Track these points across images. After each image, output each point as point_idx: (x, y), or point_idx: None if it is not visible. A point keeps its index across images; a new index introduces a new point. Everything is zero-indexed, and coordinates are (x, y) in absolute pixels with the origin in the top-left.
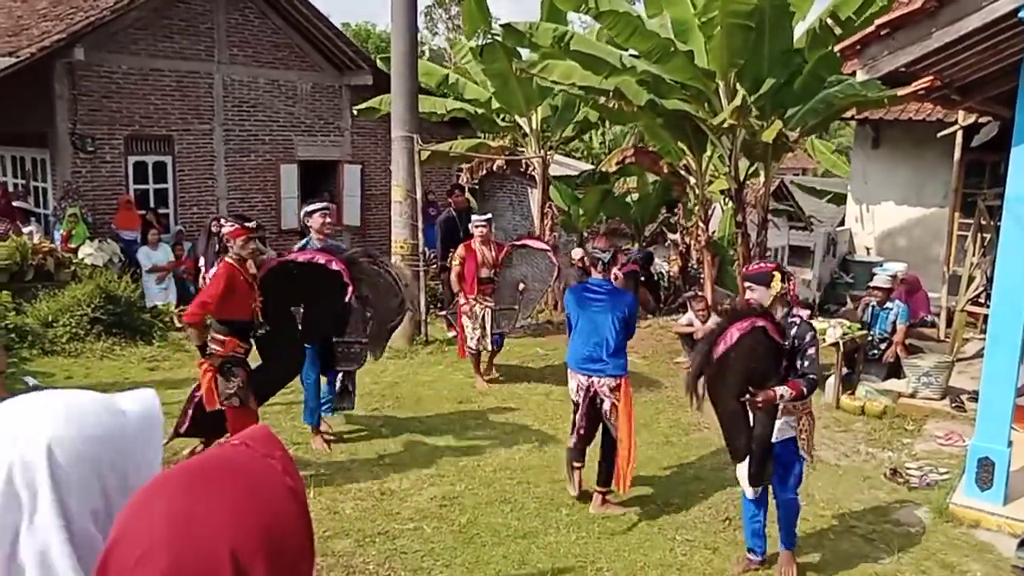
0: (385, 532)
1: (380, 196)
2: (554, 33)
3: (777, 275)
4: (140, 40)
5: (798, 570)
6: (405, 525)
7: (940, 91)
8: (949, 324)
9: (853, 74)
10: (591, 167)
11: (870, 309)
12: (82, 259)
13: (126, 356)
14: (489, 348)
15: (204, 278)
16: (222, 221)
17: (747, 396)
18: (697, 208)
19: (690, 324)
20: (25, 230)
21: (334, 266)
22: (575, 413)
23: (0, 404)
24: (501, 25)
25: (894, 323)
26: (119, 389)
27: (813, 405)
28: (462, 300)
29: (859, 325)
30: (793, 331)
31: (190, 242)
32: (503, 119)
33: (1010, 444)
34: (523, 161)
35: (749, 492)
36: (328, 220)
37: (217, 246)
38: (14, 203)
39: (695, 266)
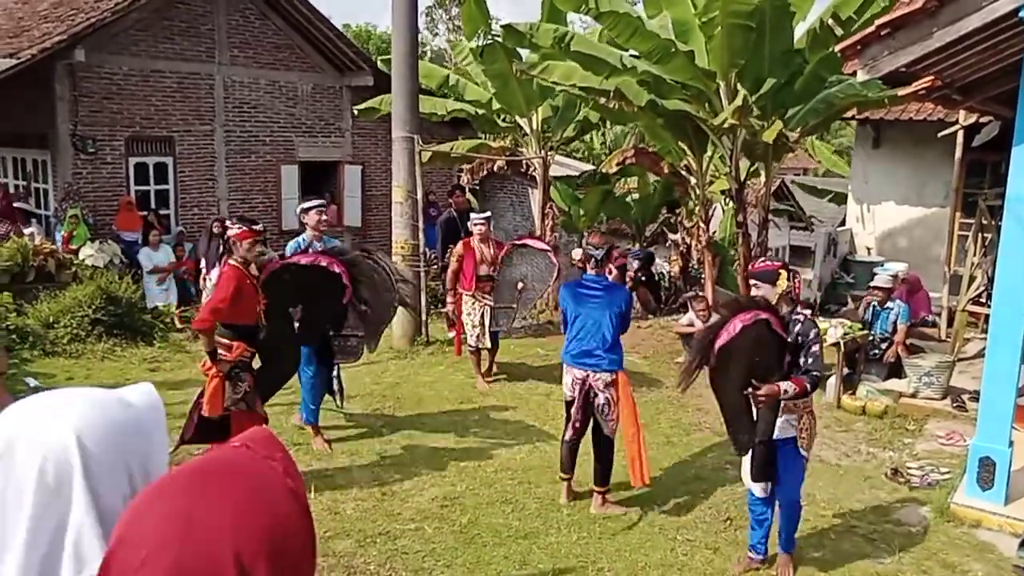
0: (386, 532)
1: (381, 197)
2: (554, 34)
3: (783, 273)
4: (141, 41)
5: (798, 570)
6: (406, 525)
7: (941, 91)
8: (950, 324)
9: (854, 74)
10: (592, 167)
11: (871, 309)
12: (83, 260)
13: (127, 357)
14: (488, 346)
15: (206, 279)
16: (227, 223)
17: (750, 389)
18: (698, 208)
19: (691, 324)
20: (26, 231)
21: (335, 269)
22: (568, 409)
23: (16, 404)
24: (501, 26)
25: (895, 323)
26: None
27: (814, 404)
28: (450, 298)
29: (860, 325)
30: (797, 328)
31: (191, 243)
32: (504, 120)
33: (1011, 444)
34: (524, 162)
35: (758, 490)
36: (324, 218)
37: (220, 247)
38: (15, 204)
39: (696, 266)
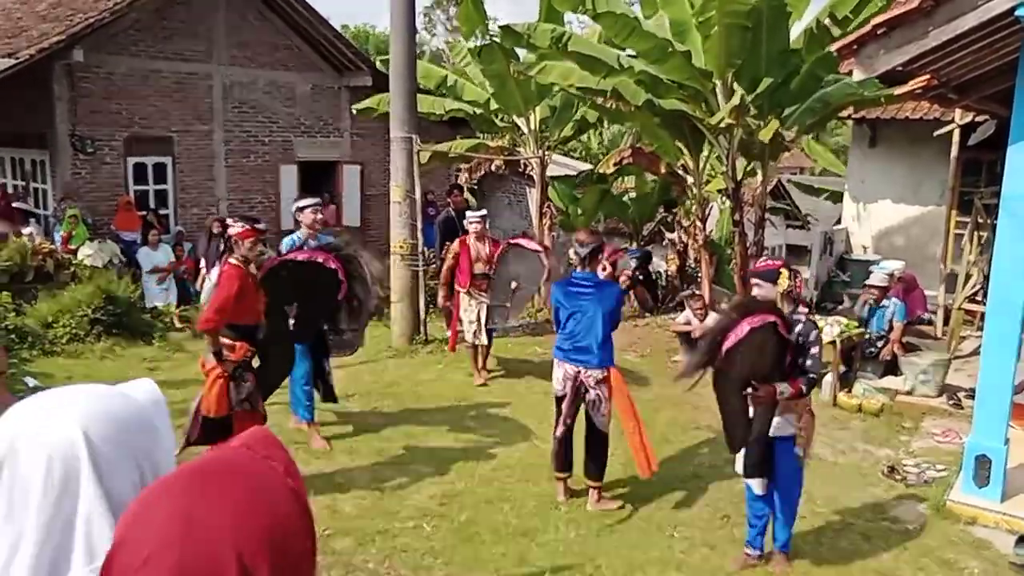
0: (385, 530)
1: (379, 196)
2: (552, 34)
3: (784, 272)
4: (139, 41)
5: (795, 568)
6: (405, 523)
7: (937, 90)
8: (946, 322)
9: (850, 73)
10: (589, 167)
11: (867, 307)
12: (82, 260)
13: (126, 357)
14: (484, 342)
15: (206, 279)
16: (228, 221)
17: (749, 390)
18: (695, 207)
19: (688, 323)
20: (25, 231)
21: (331, 265)
22: (558, 404)
23: (20, 403)
24: (499, 26)
25: (891, 321)
26: None
27: (812, 403)
28: (441, 293)
29: (856, 323)
30: (798, 328)
31: (190, 243)
32: (501, 119)
33: (1007, 441)
34: (521, 161)
35: (756, 487)
36: (319, 216)
37: (220, 247)
38: (14, 204)
39: (693, 265)
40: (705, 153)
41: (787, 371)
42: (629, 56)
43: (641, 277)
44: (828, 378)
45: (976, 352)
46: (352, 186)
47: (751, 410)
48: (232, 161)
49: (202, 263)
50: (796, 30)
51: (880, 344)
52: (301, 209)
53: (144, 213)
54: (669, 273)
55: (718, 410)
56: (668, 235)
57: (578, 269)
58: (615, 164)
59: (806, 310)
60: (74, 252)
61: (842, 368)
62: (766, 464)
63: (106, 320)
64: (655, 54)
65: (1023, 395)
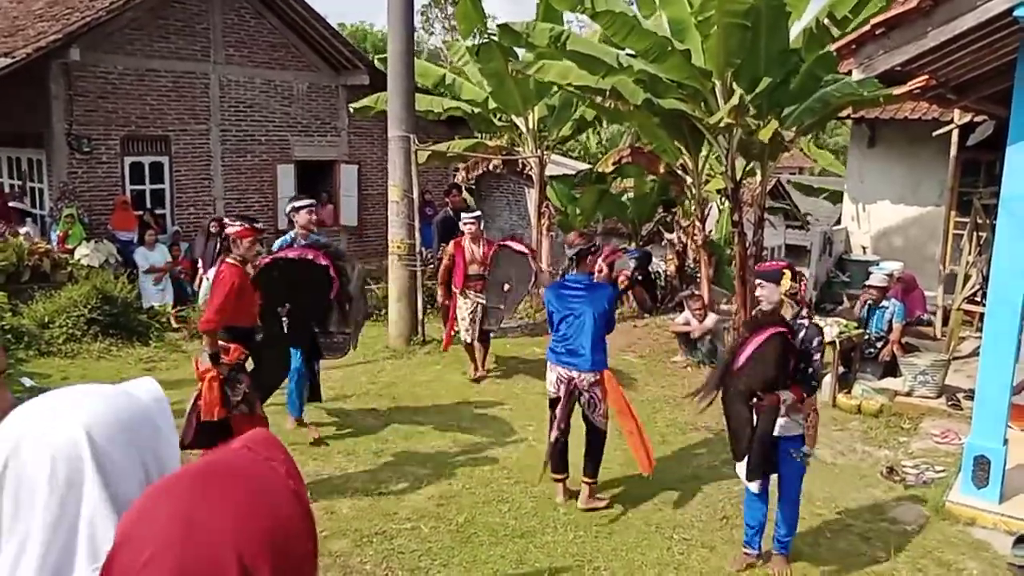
0: (383, 532)
1: (377, 196)
2: (551, 33)
3: (787, 273)
4: (136, 40)
5: (794, 568)
6: (403, 525)
7: (936, 90)
8: (945, 323)
9: (849, 73)
10: (588, 167)
11: (866, 308)
12: (78, 260)
13: (123, 357)
14: (469, 341)
15: (204, 279)
16: (226, 221)
17: (754, 401)
18: (694, 207)
19: (687, 323)
20: (21, 231)
21: (321, 261)
22: (552, 408)
23: (23, 405)
24: (497, 25)
25: (890, 322)
26: None
27: (817, 402)
28: (440, 293)
29: (855, 324)
30: (801, 334)
31: (187, 242)
32: (500, 119)
33: (1006, 442)
34: (520, 161)
35: (753, 487)
36: (313, 217)
37: (217, 247)
38: (10, 204)
39: (692, 265)
40: (704, 153)
41: (790, 377)
42: (628, 55)
43: (640, 277)
44: (827, 379)
45: (975, 353)
46: (349, 186)
47: (755, 418)
48: (229, 160)
49: (199, 263)
50: (795, 30)
51: (879, 345)
52: (297, 209)
53: (141, 213)
54: (668, 273)
55: (724, 420)
56: (667, 235)
57: (570, 271)
58: (614, 164)
59: (809, 314)
60: (71, 252)
61: (841, 369)
62: (769, 464)
63: (103, 320)
64: (654, 53)
65: (1022, 396)
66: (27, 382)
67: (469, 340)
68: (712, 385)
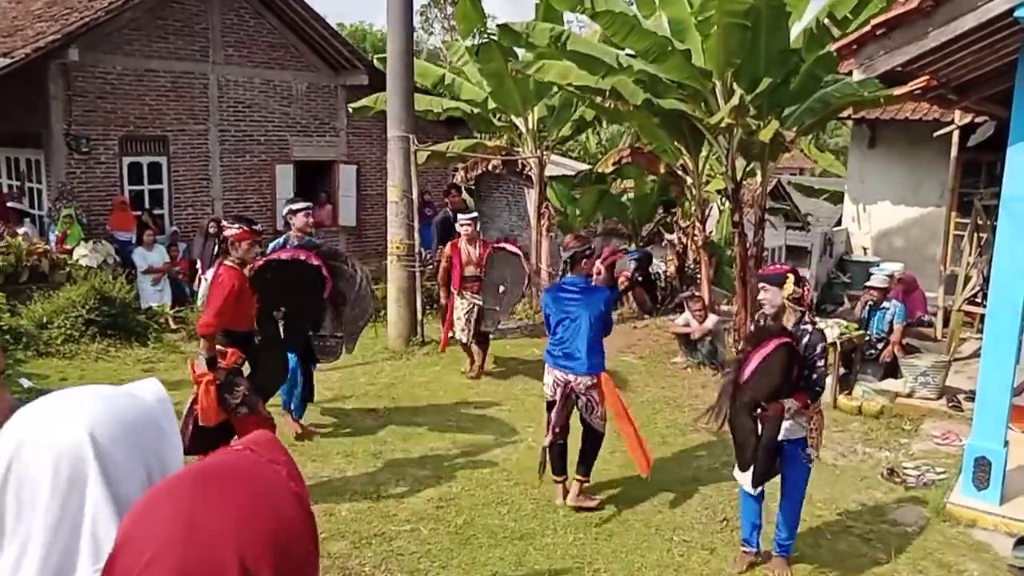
0: (381, 534)
1: (376, 196)
2: (550, 33)
3: (791, 277)
4: (135, 40)
5: (795, 570)
6: (402, 527)
7: (936, 91)
8: (946, 324)
9: (850, 73)
10: (588, 167)
11: (867, 309)
12: (77, 260)
13: (121, 358)
14: (465, 341)
15: (202, 279)
16: (224, 223)
17: (759, 411)
18: (694, 208)
19: (687, 324)
20: (19, 231)
21: (313, 262)
22: (549, 410)
23: (27, 406)
24: (497, 25)
25: (891, 323)
26: None
27: (821, 404)
28: (443, 294)
29: (856, 325)
30: (805, 340)
31: (185, 243)
32: (499, 119)
33: (1007, 444)
34: (519, 161)
35: (749, 487)
36: (310, 220)
37: (215, 247)
38: (8, 204)
39: (692, 266)
40: (704, 153)
41: (794, 385)
42: (628, 55)
43: (640, 278)
44: (828, 380)
45: (976, 354)
46: (348, 186)
47: (759, 427)
48: (227, 161)
49: (198, 264)
50: (796, 30)
51: (880, 346)
52: (294, 212)
53: (139, 213)
54: (668, 274)
55: (728, 428)
56: (667, 236)
57: (566, 274)
58: (614, 164)
59: (812, 318)
60: (69, 252)
61: (842, 370)
62: (773, 467)
63: (101, 321)
64: (654, 53)
65: (1023, 397)
66: (25, 383)
67: (464, 341)
68: (720, 405)
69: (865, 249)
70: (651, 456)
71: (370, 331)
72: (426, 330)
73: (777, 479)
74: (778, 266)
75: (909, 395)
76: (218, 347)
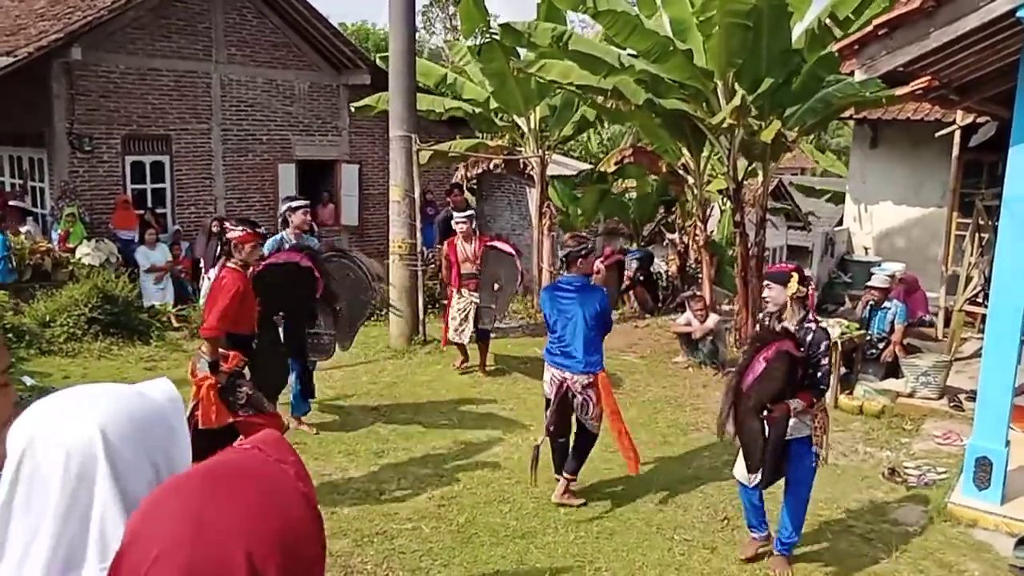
0: (383, 532)
1: (378, 196)
2: (552, 33)
3: (795, 276)
4: (138, 40)
5: (795, 569)
6: (403, 525)
7: (938, 91)
8: (947, 324)
9: (851, 74)
10: (589, 167)
11: (868, 309)
12: (79, 259)
13: (124, 356)
14: (464, 340)
15: (205, 278)
16: (227, 225)
17: (765, 413)
18: (695, 208)
19: (688, 324)
20: (22, 230)
21: (305, 263)
22: (547, 407)
23: (38, 402)
24: (500, 25)
25: (892, 323)
26: None
27: (827, 401)
28: (449, 293)
29: (857, 325)
30: (809, 338)
31: (188, 242)
32: (501, 119)
33: (1008, 444)
34: (521, 161)
35: (746, 481)
36: (308, 218)
37: (218, 247)
38: (11, 202)
39: (693, 266)
40: (706, 153)
41: (798, 385)
42: (630, 55)
43: (642, 278)
44: (829, 380)
45: (977, 354)
46: (351, 185)
47: (766, 428)
48: (230, 160)
49: (201, 263)
50: (797, 30)
51: (881, 346)
52: (293, 210)
53: (141, 212)
54: (670, 274)
55: (737, 436)
56: (668, 235)
57: (563, 273)
58: (616, 164)
59: (815, 317)
60: (72, 251)
61: (843, 370)
62: (780, 471)
63: (103, 319)
64: (656, 53)
65: None
66: (28, 381)
67: (457, 340)
68: (726, 411)
69: (866, 249)
70: (639, 455)
71: (372, 329)
72: (428, 329)
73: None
74: (783, 264)
75: (910, 395)
76: (221, 350)
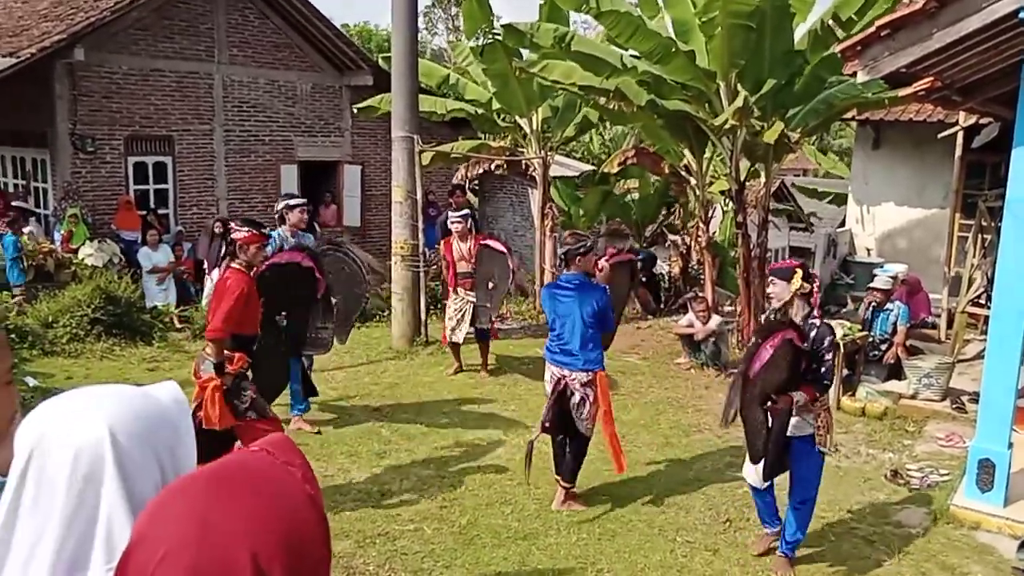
0: (385, 533)
1: (380, 196)
2: (555, 33)
3: (799, 272)
4: (140, 40)
5: (797, 571)
6: (405, 526)
7: (941, 92)
8: (950, 325)
9: (854, 75)
10: (591, 168)
11: (870, 310)
12: (82, 260)
13: (126, 357)
14: (459, 340)
15: (209, 279)
16: (232, 225)
17: (769, 403)
18: (698, 209)
19: (690, 325)
20: (25, 230)
21: (306, 263)
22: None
23: (46, 402)
24: (502, 25)
25: (895, 324)
26: None
27: (829, 400)
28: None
29: (859, 326)
30: (813, 333)
31: (190, 243)
32: (504, 120)
33: (1011, 446)
34: (523, 162)
35: (754, 479)
36: (305, 217)
37: (221, 247)
38: (13, 203)
39: (696, 267)
40: (708, 154)
41: (802, 378)
42: (632, 56)
43: (644, 279)
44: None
45: (980, 356)
46: (353, 186)
47: (770, 420)
48: (232, 161)
49: (204, 264)
50: (800, 32)
51: (883, 347)
52: (291, 208)
53: (144, 213)
54: (672, 275)
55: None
56: (671, 236)
57: (563, 271)
58: (619, 165)
59: (819, 315)
60: (74, 252)
61: (845, 372)
62: (782, 464)
63: (106, 320)
64: (658, 54)
65: None
66: (31, 381)
67: (452, 340)
68: (732, 399)
69: (869, 250)
70: (624, 460)
71: (374, 330)
72: (430, 330)
73: (787, 476)
74: (788, 261)
75: (913, 397)
76: (226, 352)
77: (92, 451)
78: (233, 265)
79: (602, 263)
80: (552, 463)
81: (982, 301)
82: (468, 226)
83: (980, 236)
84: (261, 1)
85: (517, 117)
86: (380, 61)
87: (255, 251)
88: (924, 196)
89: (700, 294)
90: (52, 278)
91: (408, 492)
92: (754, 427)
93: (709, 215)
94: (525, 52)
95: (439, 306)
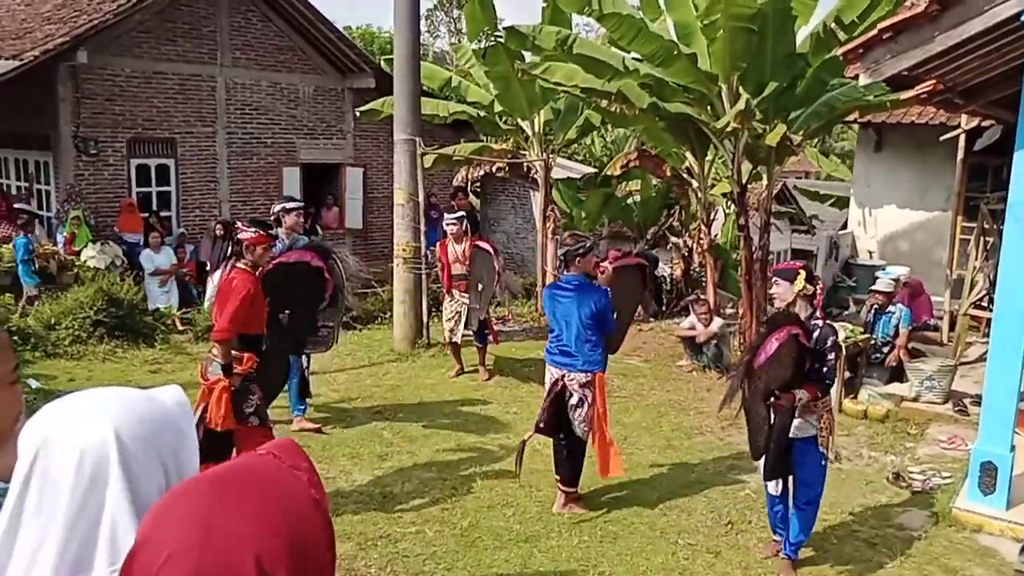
0: (387, 535)
1: (382, 199)
2: (557, 36)
3: (802, 273)
4: (143, 43)
5: (800, 574)
6: (407, 528)
7: (943, 95)
8: (952, 328)
9: (856, 78)
10: (593, 170)
11: (873, 313)
12: (85, 262)
13: (128, 359)
14: (458, 340)
15: (211, 280)
16: (239, 225)
17: (772, 399)
18: (699, 211)
19: (692, 327)
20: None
21: (316, 263)
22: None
23: (51, 404)
24: (504, 28)
25: (897, 327)
26: None
27: (831, 401)
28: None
29: (862, 329)
30: (816, 333)
31: (192, 245)
32: (506, 122)
33: (1013, 448)
34: (525, 164)
35: (772, 487)
36: (301, 220)
37: (224, 249)
38: (15, 205)
39: (697, 269)
40: (710, 157)
41: (805, 376)
42: (634, 59)
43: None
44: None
45: (982, 358)
46: (355, 188)
47: (772, 417)
48: (235, 163)
49: (207, 265)
50: (802, 34)
51: (886, 350)
52: (287, 211)
53: (146, 215)
54: (674, 277)
55: (743, 420)
56: (672, 239)
57: (563, 272)
58: (622, 168)
59: (823, 316)
60: (77, 254)
61: (847, 374)
62: (784, 465)
63: (108, 322)
64: (660, 57)
65: None
66: (33, 383)
67: (450, 340)
68: (734, 388)
69: (871, 253)
70: (618, 464)
71: (376, 332)
72: (432, 332)
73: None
74: (792, 262)
75: (915, 399)
76: (234, 352)
77: (97, 452)
78: (239, 265)
79: (604, 265)
80: (553, 463)
81: (984, 304)
82: (463, 228)
83: (982, 239)
84: (264, 4)
85: (519, 119)
86: (382, 64)
87: (262, 252)
88: (926, 199)
89: (702, 297)
90: (55, 280)
91: (410, 494)
92: (756, 422)
93: (711, 218)
94: (527, 55)
95: (441, 308)
